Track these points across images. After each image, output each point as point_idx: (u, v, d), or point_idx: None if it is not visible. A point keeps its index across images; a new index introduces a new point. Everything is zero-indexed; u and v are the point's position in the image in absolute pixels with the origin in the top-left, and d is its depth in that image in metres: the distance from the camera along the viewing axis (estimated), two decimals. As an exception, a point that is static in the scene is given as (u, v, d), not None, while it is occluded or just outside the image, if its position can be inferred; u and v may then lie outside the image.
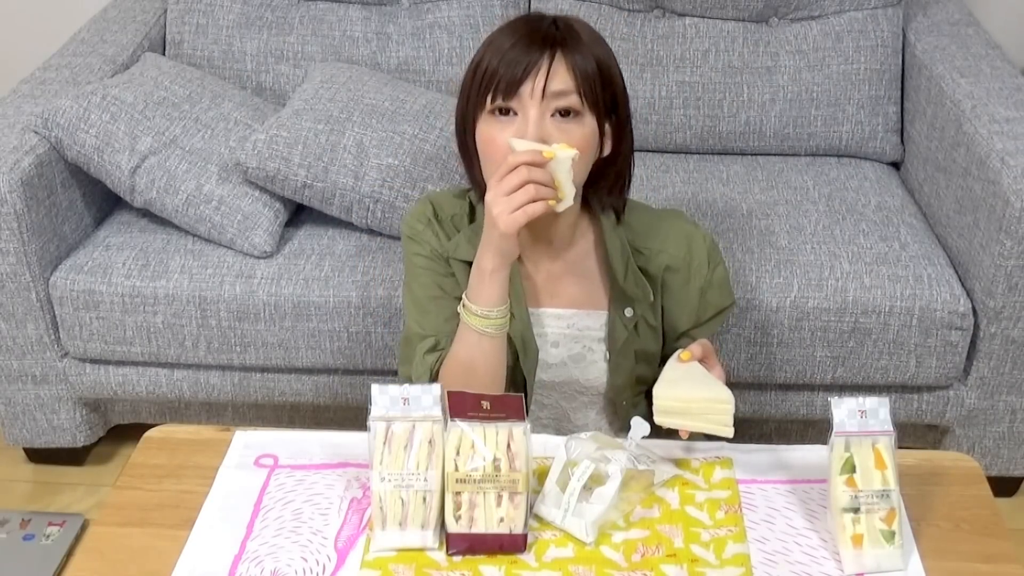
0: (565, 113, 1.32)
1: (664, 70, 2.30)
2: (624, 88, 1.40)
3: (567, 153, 1.28)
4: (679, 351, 1.38)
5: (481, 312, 1.36)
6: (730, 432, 1.28)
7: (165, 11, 2.42)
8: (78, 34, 2.38)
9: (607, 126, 1.38)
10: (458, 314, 1.43)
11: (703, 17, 2.32)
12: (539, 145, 1.29)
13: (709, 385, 1.32)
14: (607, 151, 1.40)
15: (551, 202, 1.29)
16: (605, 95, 1.34)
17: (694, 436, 1.33)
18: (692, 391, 1.30)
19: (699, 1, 2.29)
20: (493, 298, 1.36)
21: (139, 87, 2.07)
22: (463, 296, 1.39)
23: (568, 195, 1.30)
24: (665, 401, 1.29)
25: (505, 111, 1.33)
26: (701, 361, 1.37)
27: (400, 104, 2.07)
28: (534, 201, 1.27)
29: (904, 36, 2.36)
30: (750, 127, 2.31)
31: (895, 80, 2.33)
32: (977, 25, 2.39)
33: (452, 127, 2.03)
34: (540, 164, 1.27)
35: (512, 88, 1.30)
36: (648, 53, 2.30)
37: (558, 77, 1.31)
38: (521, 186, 1.27)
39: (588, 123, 1.34)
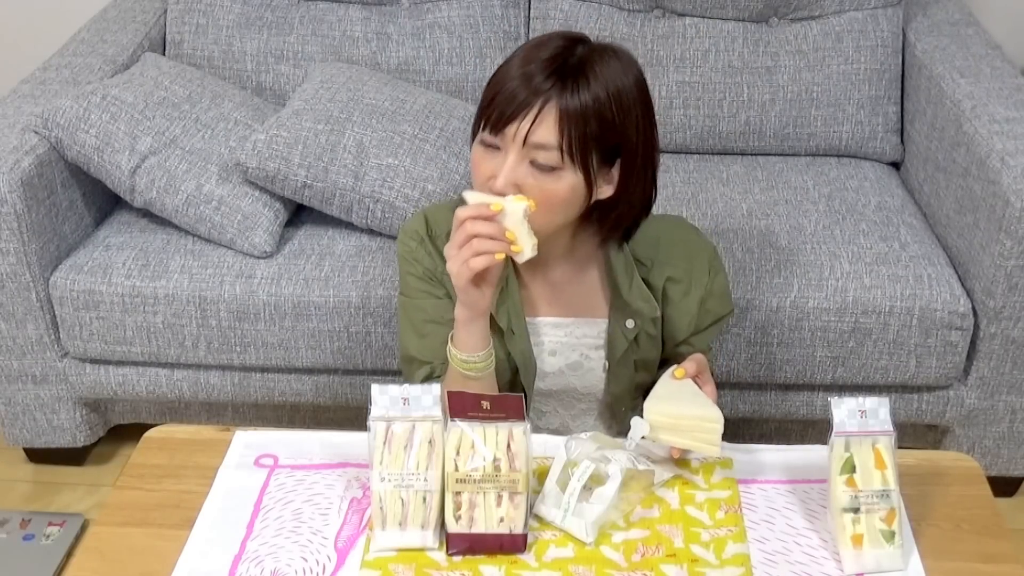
0: (542, 164, 1.29)
1: (664, 70, 2.30)
2: (641, 131, 1.33)
3: (518, 205, 1.26)
4: (673, 367, 1.38)
5: (462, 357, 1.37)
6: (717, 451, 1.29)
7: (165, 11, 2.42)
8: (78, 34, 2.38)
9: (609, 171, 1.34)
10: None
11: (703, 17, 2.32)
12: (488, 197, 1.27)
13: (699, 403, 1.32)
14: (605, 195, 1.36)
15: (499, 256, 1.27)
16: (600, 145, 1.29)
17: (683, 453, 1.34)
18: (682, 408, 1.30)
19: (699, 1, 2.29)
20: (470, 345, 1.36)
21: (139, 87, 2.07)
22: (448, 338, 1.39)
23: (526, 247, 1.28)
24: (655, 416, 1.29)
25: (493, 143, 1.31)
26: (694, 377, 1.37)
27: (400, 104, 2.07)
28: (478, 256, 1.26)
29: (904, 36, 2.36)
30: (750, 127, 2.31)
31: (895, 80, 2.33)
32: (977, 25, 2.39)
33: (452, 127, 2.05)
34: (488, 217, 1.26)
35: (499, 127, 1.28)
36: (648, 53, 2.30)
37: (543, 128, 1.26)
38: (467, 241, 1.26)
39: (567, 178, 1.29)
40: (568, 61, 1.28)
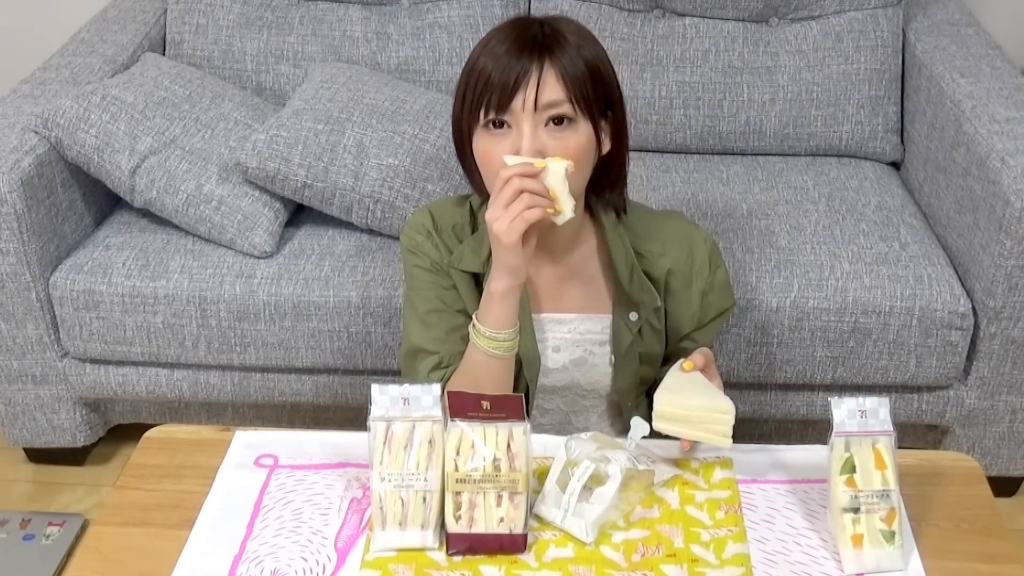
0: (559, 121, 1.31)
1: (664, 70, 2.30)
2: (617, 84, 1.39)
3: (560, 164, 1.28)
4: (681, 361, 1.38)
5: (489, 334, 1.37)
6: (728, 443, 1.29)
7: (165, 11, 2.42)
8: (78, 34, 2.38)
9: (605, 124, 1.37)
10: (460, 328, 1.43)
11: (703, 17, 2.32)
12: (530, 158, 1.29)
13: (710, 395, 1.32)
14: (606, 149, 1.40)
15: (549, 211, 1.29)
16: (598, 96, 1.34)
17: (693, 446, 1.34)
18: (693, 399, 1.30)
19: (699, 1, 2.29)
20: (502, 321, 1.36)
21: (139, 87, 2.07)
22: (473, 317, 1.39)
23: (567, 207, 1.30)
24: (666, 407, 1.29)
25: (499, 123, 1.32)
26: (701, 370, 1.37)
27: (400, 104, 2.07)
28: (531, 208, 1.27)
29: (904, 36, 2.36)
30: (750, 127, 2.31)
31: (895, 80, 2.33)
32: (977, 25, 2.39)
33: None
34: (532, 175, 1.28)
35: (504, 103, 1.30)
36: (648, 53, 2.30)
37: (548, 87, 1.30)
38: (516, 197, 1.27)
39: (583, 129, 1.33)
40: (542, 31, 1.33)
